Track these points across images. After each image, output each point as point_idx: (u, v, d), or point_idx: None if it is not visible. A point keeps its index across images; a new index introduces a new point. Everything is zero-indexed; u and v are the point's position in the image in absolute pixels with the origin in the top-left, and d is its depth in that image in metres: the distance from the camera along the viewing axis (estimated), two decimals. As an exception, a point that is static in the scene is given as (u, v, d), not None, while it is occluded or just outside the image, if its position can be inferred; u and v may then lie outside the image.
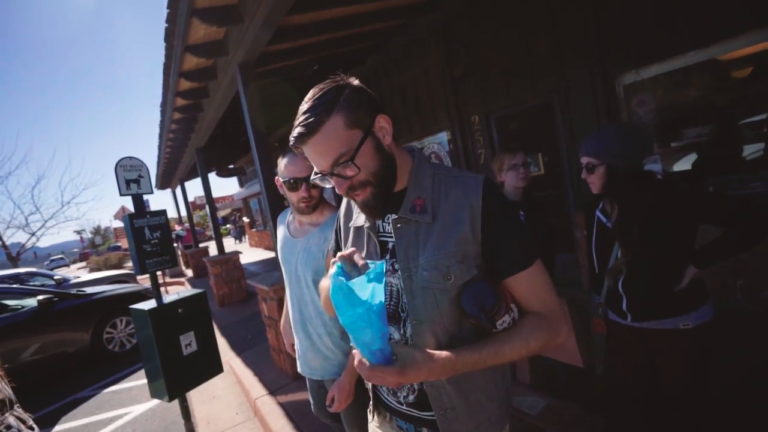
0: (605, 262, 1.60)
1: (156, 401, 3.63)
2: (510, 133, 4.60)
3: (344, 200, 1.04)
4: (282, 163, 1.52)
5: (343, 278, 0.71)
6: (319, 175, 0.81)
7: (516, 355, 0.79)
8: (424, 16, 4.78)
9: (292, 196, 1.54)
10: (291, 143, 0.79)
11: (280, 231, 1.72)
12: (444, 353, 0.76)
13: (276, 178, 1.58)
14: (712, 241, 1.40)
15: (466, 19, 4.53)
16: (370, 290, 0.69)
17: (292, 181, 1.49)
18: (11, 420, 0.85)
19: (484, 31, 4.38)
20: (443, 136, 5.36)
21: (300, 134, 0.76)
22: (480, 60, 4.52)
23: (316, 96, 0.77)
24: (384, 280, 0.72)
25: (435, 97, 5.26)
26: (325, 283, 1.00)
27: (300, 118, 0.76)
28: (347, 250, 0.81)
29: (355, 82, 0.81)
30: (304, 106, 0.77)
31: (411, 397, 0.91)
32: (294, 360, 1.85)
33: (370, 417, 1.05)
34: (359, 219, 0.97)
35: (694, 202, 1.38)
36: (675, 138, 3.33)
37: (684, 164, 3.30)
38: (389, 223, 0.89)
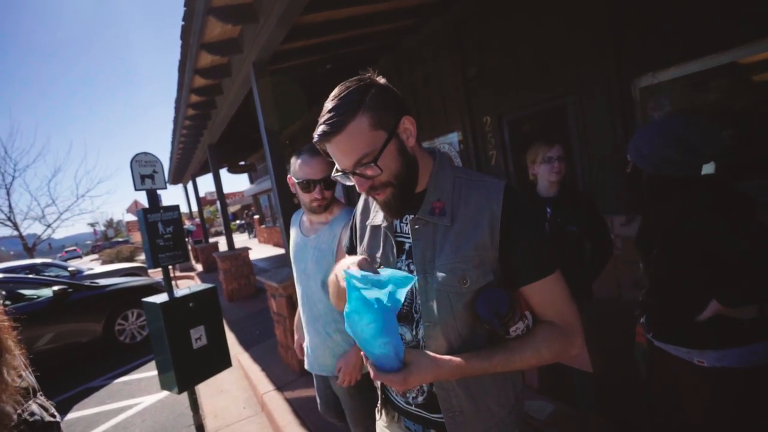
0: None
1: (165, 393, 3.69)
2: (522, 134, 4.57)
3: (362, 198, 1.03)
4: (296, 163, 1.52)
5: (361, 282, 0.72)
6: (341, 173, 0.82)
7: (526, 364, 0.79)
8: (437, 16, 4.77)
9: (305, 197, 1.54)
10: (315, 140, 0.79)
11: (293, 231, 1.74)
12: (453, 359, 0.76)
13: (289, 176, 1.59)
14: (745, 278, 1.16)
15: (478, 20, 4.51)
16: (388, 290, 0.70)
17: (307, 182, 1.49)
18: (34, 407, 0.87)
19: (498, 32, 4.35)
20: (454, 137, 5.35)
21: (324, 132, 0.76)
22: (493, 61, 4.50)
23: (342, 94, 0.76)
24: (408, 286, 0.72)
25: (447, 98, 5.25)
26: (333, 277, 1.00)
27: (325, 116, 0.76)
28: (358, 258, 0.81)
29: (382, 80, 0.80)
30: (329, 104, 0.77)
31: (420, 399, 0.91)
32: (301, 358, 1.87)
33: (377, 416, 1.05)
34: (377, 218, 0.97)
35: (715, 236, 1.15)
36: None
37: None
38: (407, 224, 0.89)
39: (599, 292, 3.14)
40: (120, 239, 36.56)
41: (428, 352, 0.79)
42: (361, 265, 0.80)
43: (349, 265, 0.80)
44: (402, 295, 0.71)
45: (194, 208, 13.10)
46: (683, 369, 1.30)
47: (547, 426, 1.75)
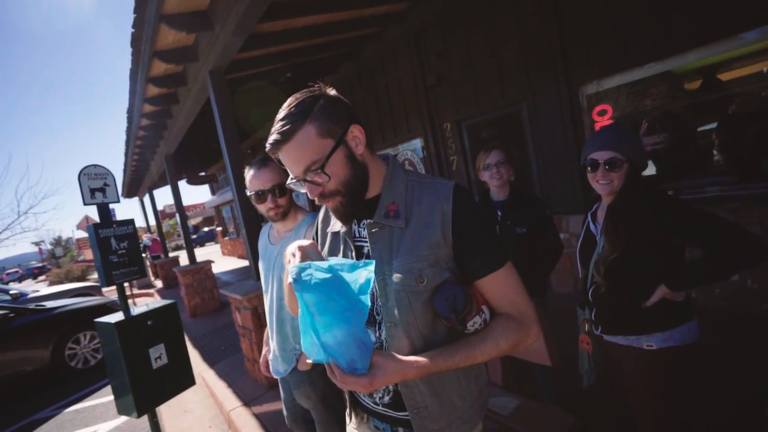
0: (586, 269, 1.50)
1: (123, 418, 3.48)
2: (481, 140, 4.73)
3: (323, 206, 1.06)
4: (248, 177, 1.55)
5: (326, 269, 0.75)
6: (294, 180, 0.85)
7: (486, 356, 0.82)
8: (396, 25, 4.86)
9: (261, 208, 1.57)
10: (267, 149, 0.83)
11: (262, 243, 1.73)
12: (418, 360, 0.79)
13: (246, 191, 1.60)
14: (690, 263, 1.29)
15: (436, 30, 4.64)
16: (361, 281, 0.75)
17: (258, 193, 1.52)
18: None
19: (455, 42, 4.50)
20: (417, 143, 5.45)
21: (275, 141, 0.80)
22: (451, 69, 4.64)
23: (292, 105, 0.80)
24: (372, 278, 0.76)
25: (408, 105, 5.35)
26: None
27: (276, 126, 0.80)
28: (306, 242, 0.86)
29: (332, 92, 0.84)
30: (280, 113, 0.81)
31: (387, 398, 0.92)
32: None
33: (347, 420, 1.06)
34: (336, 224, 1.00)
35: (680, 220, 1.24)
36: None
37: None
38: (364, 228, 0.92)
39: (557, 288, 3.30)
40: (37, 264, 33.53)
41: (394, 355, 0.81)
42: (307, 250, 0.84)
43: (293, 252, 0.84)
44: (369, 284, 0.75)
45: (152, 221, 12.50)
46: (633, 357, 1.40)
47: (511, 421, 1.80)
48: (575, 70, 3.60)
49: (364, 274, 0.75)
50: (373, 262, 0.78)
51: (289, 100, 0.82)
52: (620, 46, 3.26)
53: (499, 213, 2.05)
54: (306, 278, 0.73)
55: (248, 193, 1.55)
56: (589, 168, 1.42)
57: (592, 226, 1.50)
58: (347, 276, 0.75)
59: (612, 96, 3.51)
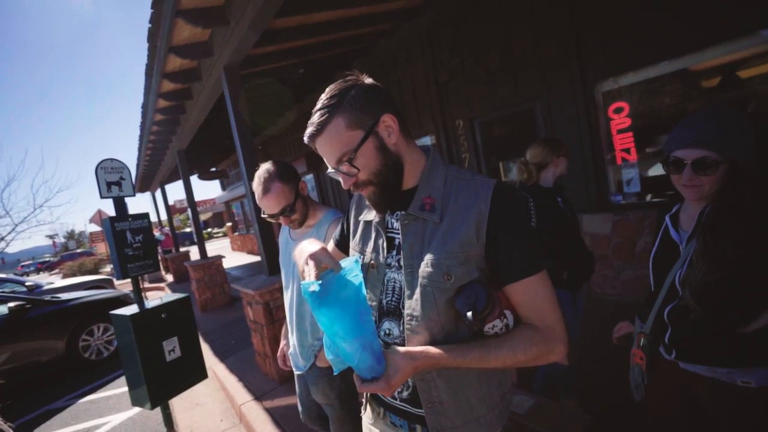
0: (661, 281, 1.24)
1: (136, 409, 3.53)
2: (494, 137, 4.69)
3: (358, 193, 1.06)
4: (256, 196, 1.53)
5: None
6: (331, 169, 0.86)
7: (500, 363, 0.80)
8: (409, 21, 4.84)
9: (280, 221, 1.58)
10: (305, 141, 0.85)
11: (282, 236, 1.73)
12: (428, 351, 0.79)
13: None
14: None
15: (449, 26, 4.61)
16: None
17: (270, 215, 1.53)
18: None
19: (469, 38, 4.47)
20: (427, 141, 5.43)
21: (310, 134, 0.82)
22: (464, 66, 4.60)
23: (324, 97, 0.81)
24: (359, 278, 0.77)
25: (420, 102, 5.32)
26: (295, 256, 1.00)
27: (312, 118, 0.82)
28: (316, 248, 0.85)
29: (367, 80, 0.84)
30: (316, 105, 0.82)
31: (405, 393, 0.91)
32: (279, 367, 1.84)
33: (362, 410, 1.05)
34: (369, 213, 0.99)
35: None
36: (650, 143, 3.47)
37: (659, 169, 3.43)
38: (397, 220, 0.91)
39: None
40: (41, 260, 33.95)
41: (400, 349, 0.80)
42: (318, 256, 0.82)
43: (305, 260, 0.83)
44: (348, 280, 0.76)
45: (163, 216, 12.64)
46: (722, 394, 1.13)
47: (527, 420, 1.78)
48: (591, 66, 3.55)
49: (358, 276, 0.77)
50: (357, 260, 0.80)
51: (325, 91, 0.82)
52: (638, 43, 3.20)
53: (560, 199, 2.15)
54: (316, 296, 0.73)
55: (262, 215, 1.57)
56: (670, 167, 1.13)
57: (672, 233, 1.22)
58: (351, 282, 0.77)
59: (628, 93, 3.45)
